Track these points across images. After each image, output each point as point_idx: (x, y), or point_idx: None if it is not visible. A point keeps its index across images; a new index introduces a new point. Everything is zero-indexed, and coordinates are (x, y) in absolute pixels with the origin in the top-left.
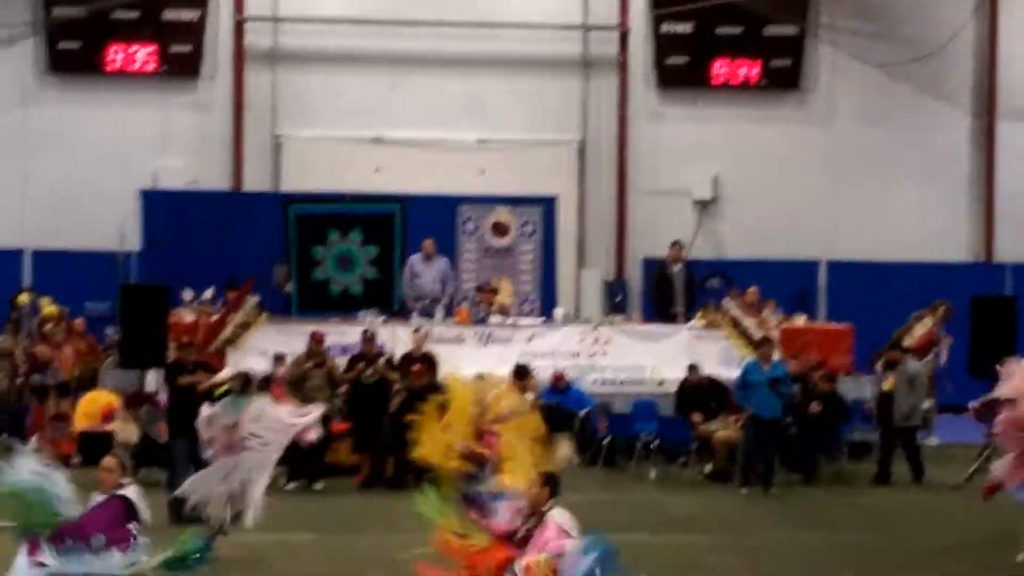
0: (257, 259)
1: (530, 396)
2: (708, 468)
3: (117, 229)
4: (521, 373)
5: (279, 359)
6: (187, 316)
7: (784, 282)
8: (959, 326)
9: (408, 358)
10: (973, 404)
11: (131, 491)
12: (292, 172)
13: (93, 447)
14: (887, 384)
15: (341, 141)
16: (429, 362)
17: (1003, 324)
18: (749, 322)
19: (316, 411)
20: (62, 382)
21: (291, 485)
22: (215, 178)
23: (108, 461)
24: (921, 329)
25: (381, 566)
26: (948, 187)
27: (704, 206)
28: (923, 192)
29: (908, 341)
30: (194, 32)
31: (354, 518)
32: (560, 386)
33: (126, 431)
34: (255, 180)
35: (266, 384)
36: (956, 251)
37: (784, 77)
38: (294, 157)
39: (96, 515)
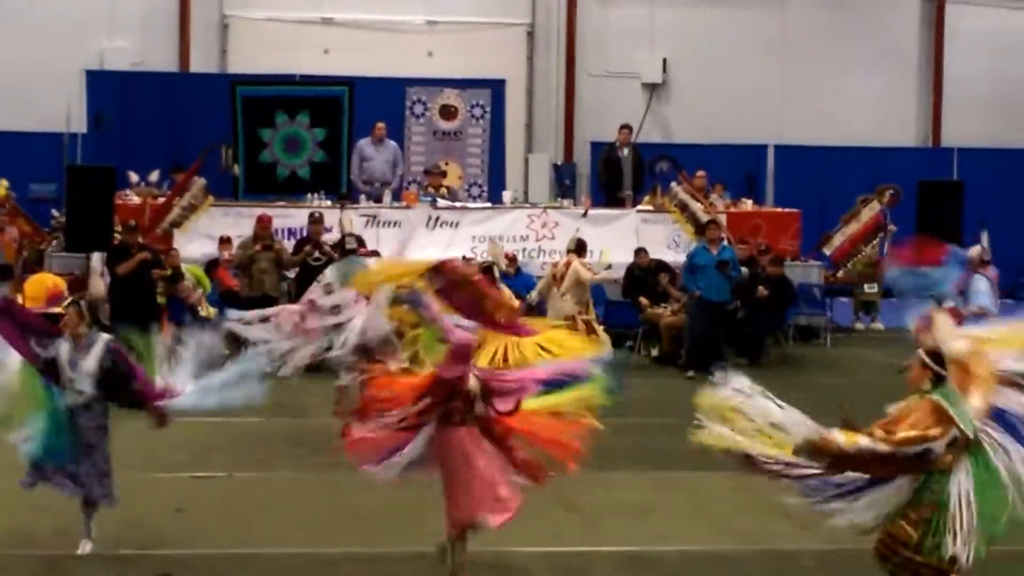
0: (204, 141)
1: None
2: (655, 351)
3: (62, 110)
4: (580, 248)
5: (225, 242)
6: (133, 198)
7: (732, 166)
8: (906, 210)
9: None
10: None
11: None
12: (240, 53)
13: None
14: None
15: (289, 22)
16: (361, 244)
17: (950, 208)
18: (697, 206)
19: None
20: (5, 265)
21: None
22: (162, 59)
23: (68, 312)
24: (868, 213)
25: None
26: (897, 71)
27: (653, 89)
28: (872, 76)
29: (855, 226)
30: None
31: (302, 399)
32: (510, 270)
33: (97, 287)
34: (202, 61)
35: (213, 267)
36: (904, 135)
37: None
38: (242, 38)
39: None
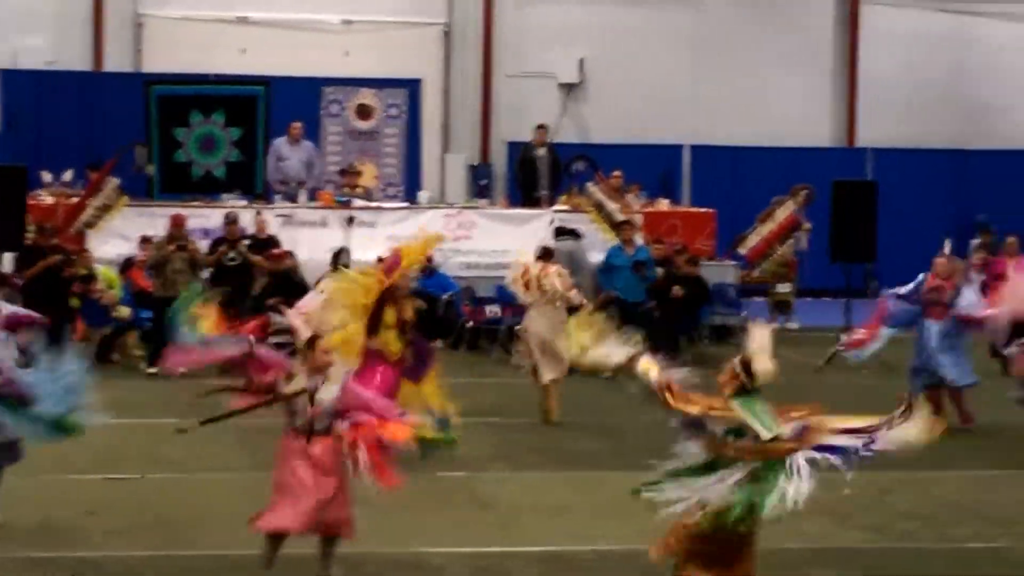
0: (118, 141)
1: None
2: None
3: None
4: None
5: (146, 241)
6: (46, 198)
7: (649, 166)
8: (820, 210)
9: (256, 241)
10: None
11: None
12: (155, 52)
13: None
14: None
15: (205, 21)
16: (274, 245)
17: (864, 208)
18: (613, 206)
19: None
20: None
21: (154, 369)
22: (76, 58)
23: None
24: (783, 213)
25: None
26: (812, 72)
27: (570, 89)
28: (788, 77)
29: (770, 225)
30: None
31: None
32: (425, 270)
33: None
34: (117, 60)
35: (127, 267)
36: (819, 136)
37: None
38: (157, 37)
39: None
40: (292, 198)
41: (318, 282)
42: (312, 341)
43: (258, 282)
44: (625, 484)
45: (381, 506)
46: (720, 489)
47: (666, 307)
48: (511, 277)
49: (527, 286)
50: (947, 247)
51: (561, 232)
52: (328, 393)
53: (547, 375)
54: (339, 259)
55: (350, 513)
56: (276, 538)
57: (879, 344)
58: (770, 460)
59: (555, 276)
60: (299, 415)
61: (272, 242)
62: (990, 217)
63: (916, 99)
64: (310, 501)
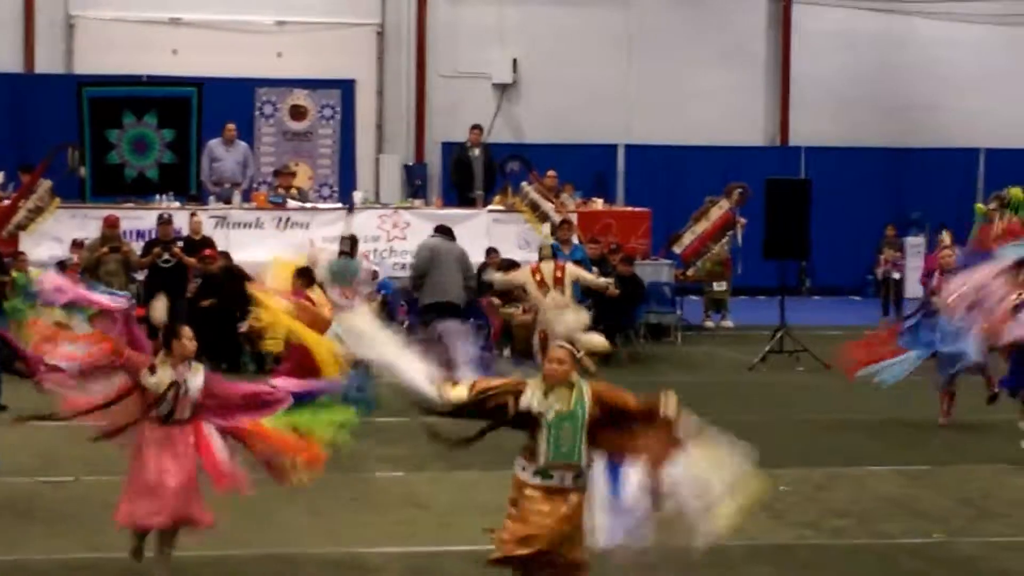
0: (50, 142)
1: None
2: (507, 351)
3: None
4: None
5: (77, 244)
6: None
7: (583, 165)
8: (755, 209)
9: (190, 243)
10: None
11: None
12: (86, 54)
13: None
14: None
15: (137, 22)
16: (209, 246)
17: (797, 206)
18: (548, 205)
19: None
20: None
21: None
22: (6, 59)
23: None
24: (717, 212)
25: None
26: (745, 70)
27: (504, 89)
28: (721, 76)
29: (705, 224)
30: None
31: None
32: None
33: None
34: (48, 61)
35: (61, 270)
36: (753, 134)
37: None
38: (88, 38)
39: None
40: (226, 199)
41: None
42: (174, 331)
43: (192, 284)
44: None
45: (319, 507)
46: None
47: (601, 306)
48: (517, 279)
49: (541, 285)
50: (947, 237)
51: (444, 231)
52: (194, 383)
53: None
54: (353, 247)
55: (203, 504)
56: (142, 532)
57: (906, 367)
58: None
59: (578, 269)
60: (161, 405)
61: (207, 243)
62: (923, 214)
63: (848, 98)
64: (169, 493)
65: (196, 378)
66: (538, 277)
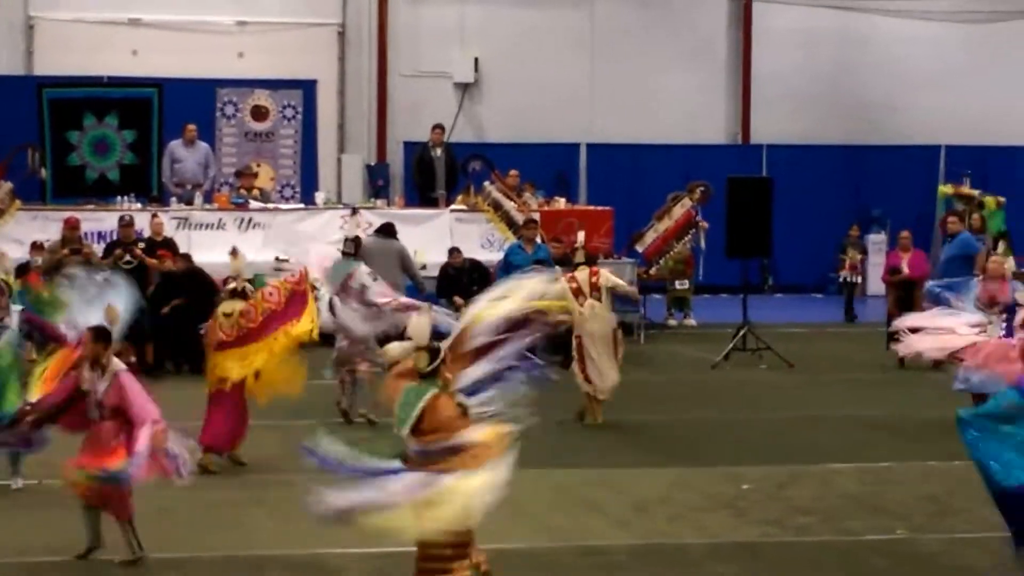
0: (10, 144)
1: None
2: None
3: None
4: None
5: (38, 247)
6: None
7: (545, 165)
8: (717, 207)
9: (152, 244)
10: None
11: None
12: (46, 55)
13: None
14: None
15: (96, 23)
16: (171, 247)
17: (758, 204)
18: (510, 205)
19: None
20: None
21: None
22: None
23: None
24: (679, 210)
25: None
26: (706, 69)
27: (465, 89)
28: (682, 74)
29: (667, 223)
30: None
31: None
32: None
33: None
34: (7, 63)
35: (23, 272)
36: (714, 133)
37: None
38: (48, 39)
39: None
40: (188, 200)
41: (226, 281)
42: (97, 333)
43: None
44: (521, 482)
45: (282, 509)
46: None
47: None
48: (553, 291)
49: (578, 293)
50: (1001, 247)
51: (383, 230)
52: (102, 385)
53: (610, 380)
54: (357, 248)
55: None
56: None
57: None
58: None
59: (611, 275)
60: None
61: (169, 245)
62: (884, 211)
63: (809, 95)
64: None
65: (103, 381)
66: (574, 285)
